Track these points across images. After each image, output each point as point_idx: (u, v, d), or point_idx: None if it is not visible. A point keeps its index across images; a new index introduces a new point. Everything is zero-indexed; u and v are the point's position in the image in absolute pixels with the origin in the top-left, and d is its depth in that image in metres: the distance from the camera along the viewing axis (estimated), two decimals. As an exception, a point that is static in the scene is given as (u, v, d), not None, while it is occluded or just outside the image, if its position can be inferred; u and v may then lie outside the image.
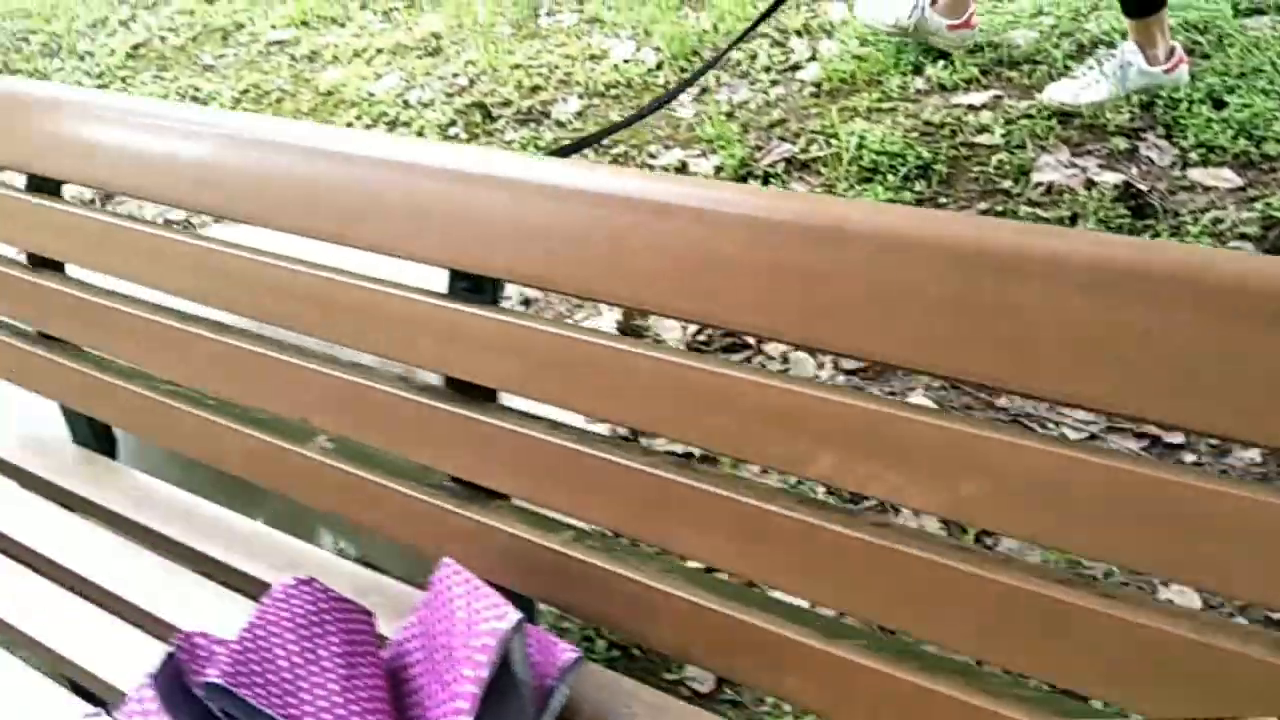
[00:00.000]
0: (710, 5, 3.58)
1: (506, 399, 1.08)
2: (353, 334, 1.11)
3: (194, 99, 3.96)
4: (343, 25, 4.26)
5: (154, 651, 1.15)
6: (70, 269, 1.44)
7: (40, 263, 1.45)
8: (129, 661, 1.14)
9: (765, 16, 2.40)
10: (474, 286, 1.04)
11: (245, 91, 3.93)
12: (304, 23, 4.33)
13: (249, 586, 1.23)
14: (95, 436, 1.52)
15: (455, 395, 1.07)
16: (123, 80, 4.29)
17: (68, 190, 1.43)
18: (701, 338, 2.35)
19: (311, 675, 0.91)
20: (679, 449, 1.63)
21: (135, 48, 4.56)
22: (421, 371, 1.12)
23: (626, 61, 3.43)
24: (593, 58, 3.52)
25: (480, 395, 1.06)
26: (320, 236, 1.12)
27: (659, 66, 3.36)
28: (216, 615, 1.18)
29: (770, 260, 0.85)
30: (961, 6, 3.01)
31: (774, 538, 0.87)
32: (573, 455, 0.98)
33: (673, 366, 0.90)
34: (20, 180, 1.44)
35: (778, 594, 0.93)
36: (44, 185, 1.43)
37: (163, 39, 4.59)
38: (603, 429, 1.35)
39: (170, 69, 4.31)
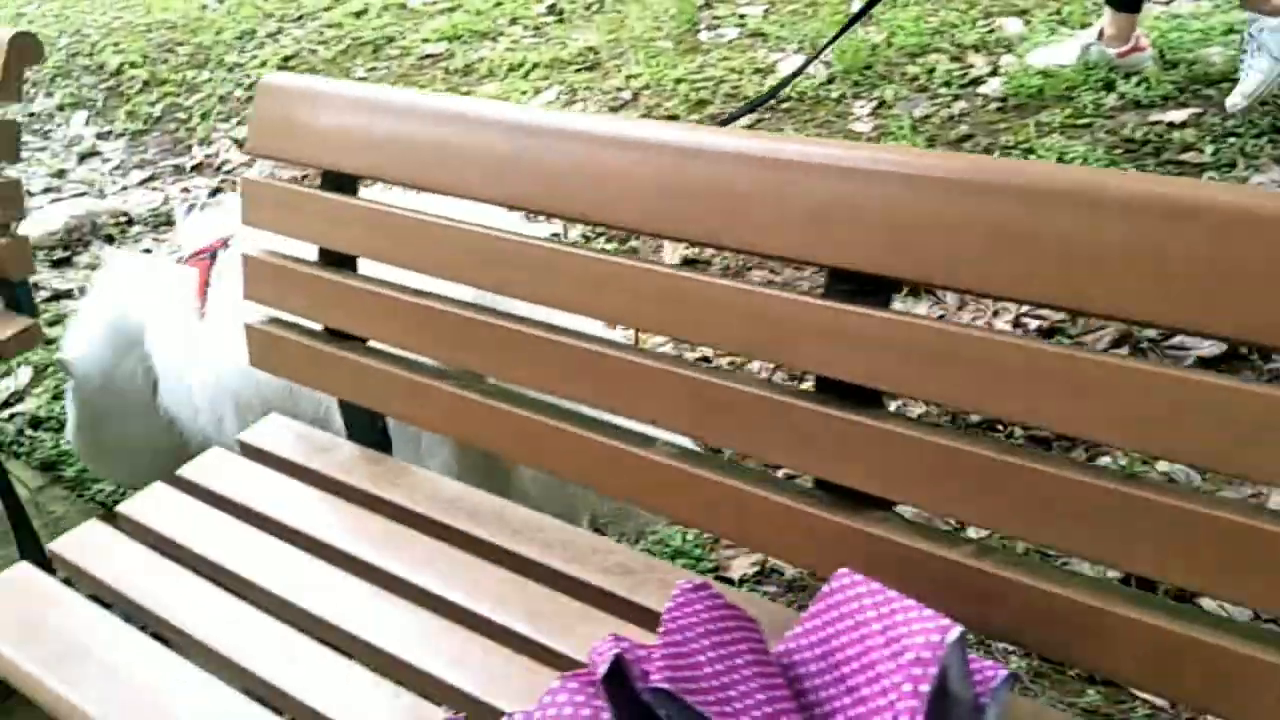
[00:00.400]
0: (880, 20, 3.54)
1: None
2: (721, 335, 1.08)
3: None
4: (494, 40, 4.30)
5: (475, 647, 1.14)
6: (365, 264, 1.43)
7: (333, 258, 1.45)
8: (453, 658, 1.13)
9: (863, 13, 2.45)
10: (860, 287, 1.01)
11: (402, 102, 3.96)
12: (455, 37, 4.38)
13: (569, 585, 1.20)
14: (373, 433, 1.52)
15: (832, 397, 1.04)
16: (276, 91, 4.36)
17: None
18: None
19: (735, 683, 0.88)
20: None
21: (285, 59, 4.65)
22: (779, 371, 1.09)
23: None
24: (758, 71, 3.49)
25: (863, 398, 1.02)
26: (688, 238, 1.10)
27: (830, 81, 3.33)
28: (542, 616, 1.16)
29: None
30: (1126, 33, 2.98)
31: (1253, 555, 0.82)
32: (983, 462, 0.94)
33: (1112, 370, 0.86)
34: (317, 177, 1.45)
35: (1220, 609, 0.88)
36: (339, 181, 1.43)
37: (313, 52, 4.66)
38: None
39: (323, 80, 4.37)
